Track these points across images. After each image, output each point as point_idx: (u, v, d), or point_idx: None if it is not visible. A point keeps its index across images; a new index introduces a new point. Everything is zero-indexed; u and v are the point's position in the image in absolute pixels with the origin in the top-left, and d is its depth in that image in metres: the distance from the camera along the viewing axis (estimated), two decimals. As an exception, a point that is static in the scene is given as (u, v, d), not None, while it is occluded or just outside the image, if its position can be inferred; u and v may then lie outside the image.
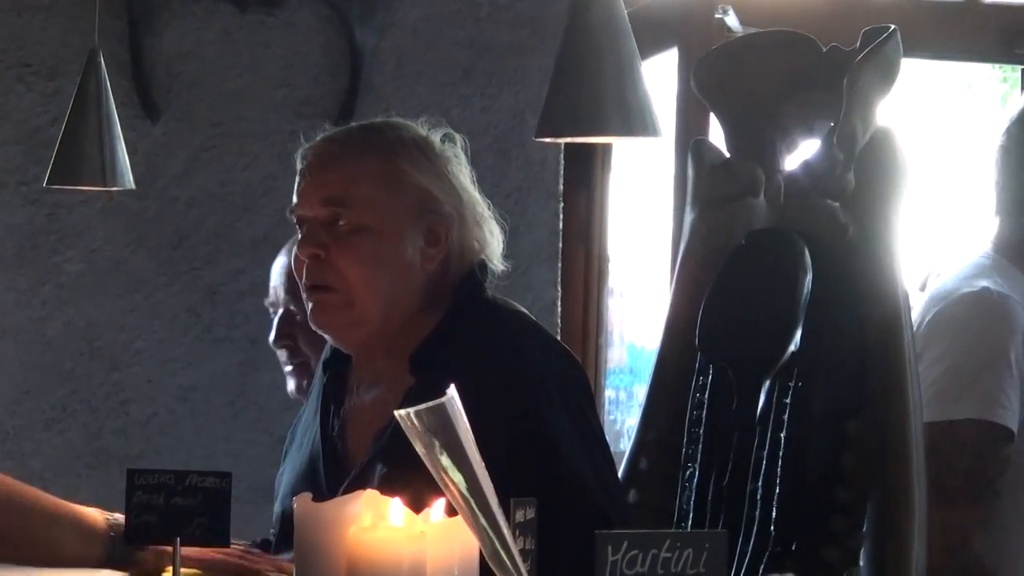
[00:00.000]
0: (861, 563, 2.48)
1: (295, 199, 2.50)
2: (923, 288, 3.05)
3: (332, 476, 2.47)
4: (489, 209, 2.55)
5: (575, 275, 4.45)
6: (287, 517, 2.42)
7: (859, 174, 2.58)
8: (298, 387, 3.18)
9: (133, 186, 3.15)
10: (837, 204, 2.61)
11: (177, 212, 4.02)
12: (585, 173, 4.51)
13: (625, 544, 1.50)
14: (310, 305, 2.48)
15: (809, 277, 2.58)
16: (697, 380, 2.71)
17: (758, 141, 2.73)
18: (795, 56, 2.73)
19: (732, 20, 3.94)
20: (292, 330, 3.16)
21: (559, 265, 4.14)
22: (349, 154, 2.49)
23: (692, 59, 3.53)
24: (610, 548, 1.50)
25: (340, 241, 2.44)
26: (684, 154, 2.90)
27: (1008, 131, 2.98)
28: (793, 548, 2.51)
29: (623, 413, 4.74)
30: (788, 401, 2.55)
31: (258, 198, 4.03)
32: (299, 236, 2.48)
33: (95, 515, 2.40)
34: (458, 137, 2.56)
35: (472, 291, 2.51)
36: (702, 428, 2.68)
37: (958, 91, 6.84)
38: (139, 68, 3.97)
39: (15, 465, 3.79)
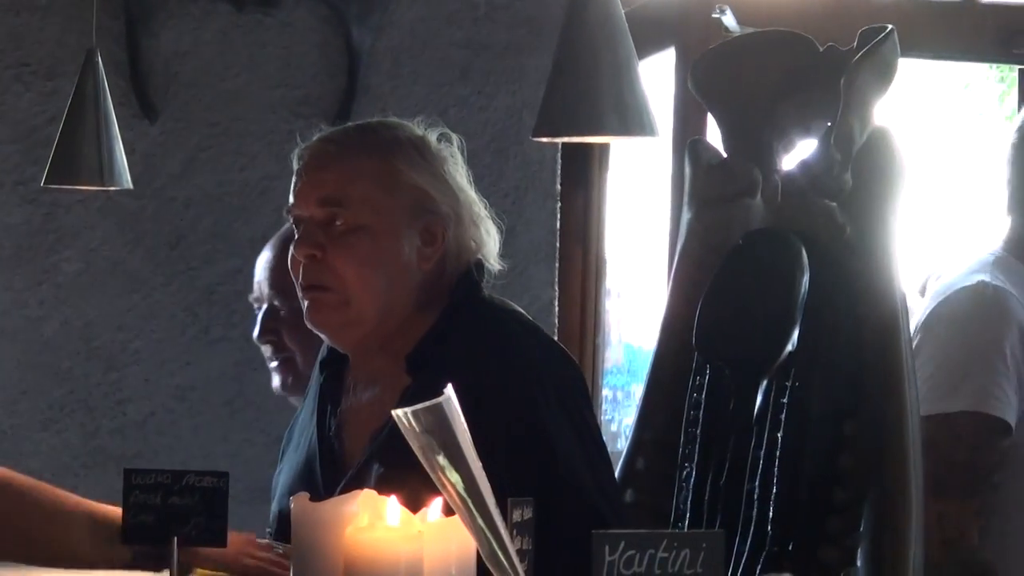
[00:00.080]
0: (858, 563, 2.48)
1: (292, 199, 2.50)
2: (923, 292, 3.05)
3: (329, 476, 2.47)
4: (486, 209, 2.55)
5: (572, 275, 4.45)
6: (284, 517, 2.43)
7: (856, 174, 2.58)
8: (283, 383, 3.13)
9: (131, 186, 3.15)
10: (834, 204, 2.60)
11: (174, 212, 4.02)
12: (582, 173, 4.51)
13: (622, 544, 1.50)
14: (306, 304, 2.47)
15: (806, 277, 2.58)
16: (694, 380, 2.70)
17: (755, 141, 2.73)
18: (792, 56, 2.73)
19: (729, 20, 3.94)
20: (276, 325, 3.12)
21: (556, 265, 4.14)
22: (345, 154, 2.48)
23: (689, 59, 3.52)
24: (607, 548, 1.50)
25: (337, 241, 2.44)
26: (681, 154, 2.89)
27: (1022, 128, 2.97)
28: (790, 548, 2.51)
29: (620, 413, 4.73)
30: (785, 401, 2.55)
31: (255, 198, 4.02)
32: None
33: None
34: (455, 137, 2.56)
35: (469, 291, 2.51)
36: (699, 428, 2.67)
37: (955, 91, 6.83)
38: (136, 68, 3.96)
39: (12, 465, 3.73)
